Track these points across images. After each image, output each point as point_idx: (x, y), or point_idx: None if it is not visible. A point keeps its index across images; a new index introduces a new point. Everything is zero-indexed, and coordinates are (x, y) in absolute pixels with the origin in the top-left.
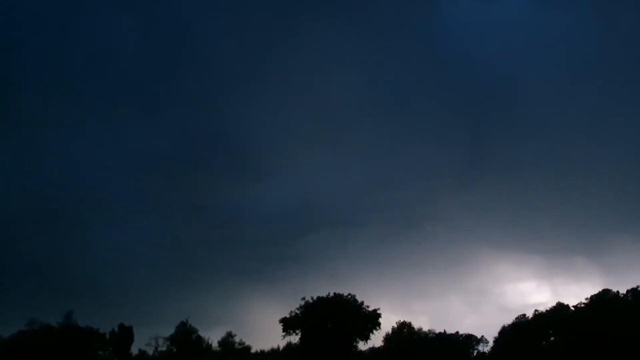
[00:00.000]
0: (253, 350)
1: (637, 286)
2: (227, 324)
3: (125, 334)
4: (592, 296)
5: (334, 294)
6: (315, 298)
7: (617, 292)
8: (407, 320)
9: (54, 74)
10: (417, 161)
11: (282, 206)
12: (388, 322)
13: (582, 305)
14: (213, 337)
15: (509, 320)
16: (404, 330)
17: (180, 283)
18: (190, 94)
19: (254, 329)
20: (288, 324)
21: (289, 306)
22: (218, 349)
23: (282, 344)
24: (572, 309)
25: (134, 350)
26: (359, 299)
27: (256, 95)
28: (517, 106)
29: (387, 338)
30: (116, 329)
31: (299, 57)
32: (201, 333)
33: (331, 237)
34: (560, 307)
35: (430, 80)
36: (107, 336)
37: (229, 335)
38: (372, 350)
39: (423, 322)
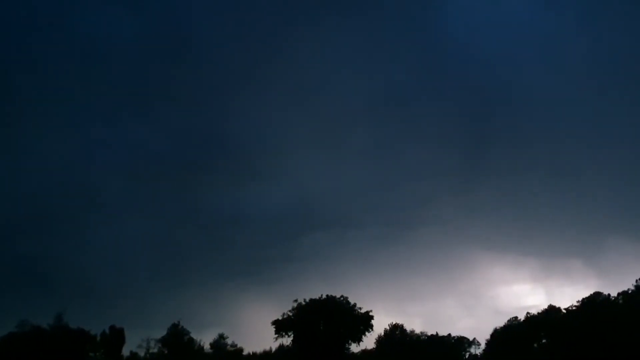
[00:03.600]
0: (245, 352)
1: (628, 289)
2: (219, 326)
3: (116, 336)
4: (583, 299)
5: (327, 295)
6: (307, 300)
7: (609, 295)
8: (401, 322)
9: (48, 73)
10: (415, 163)
11: (278, 207)
12: (382, 324)
13: (574, 308)
14: (205, 339)
15: (502, 322)
16: (396, 332)
17: (173, 284)
18: (188, 94)
19: (247, 330)
20: (280, 326)
21: (283, 308)
22: (210, 351)
23: (274, 346)
24: (564, 311)
25: (126, 352)
26: (352, 301)
27: (254, 96)
28: (517, 109)
29: (380, 340)
30: (107, 331)
31: (297, 58)
32: (193, 335)
33: (327, 239)
34: (552, 310)
35: (430, 82)
36: (99, 338)
37: (221, 337)
38: (365, 352)
39: (417, 324)
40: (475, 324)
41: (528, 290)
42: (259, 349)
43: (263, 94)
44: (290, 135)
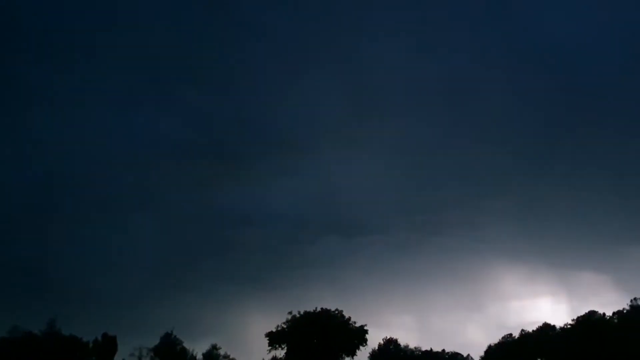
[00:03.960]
0: None
1: (623, 308)
2: (216, 335)
3: (108, 344)
4: (578, 317)
5: (321, 309)
6: (301, 312)
7: (604, 314)
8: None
9: (52, 49)
10: (452, 163)
11: (296, 207)
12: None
13: (569, 327)
14: (201, 348)
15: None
16: (390, 346)
17: (172, 289)
18: (212, 77)
19: (245, 340)
20: (274, 338)
21: (284, 318)
22: None
23: (267, 358)
24: (559, 330)
25: None
26: (347, 314)
27: (286, 82)
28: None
29: (374, 354)
30: (100, 338)
31: (340, 40)
32: (188, 344)
33: (342, 244)
34: (546, 328)
35: (496, 73)
36: (91, 345)
37: (214, 347)
38: None
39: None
40: (487, 338)
41: (549, 303)
42: None
43: (298, 80)
44: (318, 123)
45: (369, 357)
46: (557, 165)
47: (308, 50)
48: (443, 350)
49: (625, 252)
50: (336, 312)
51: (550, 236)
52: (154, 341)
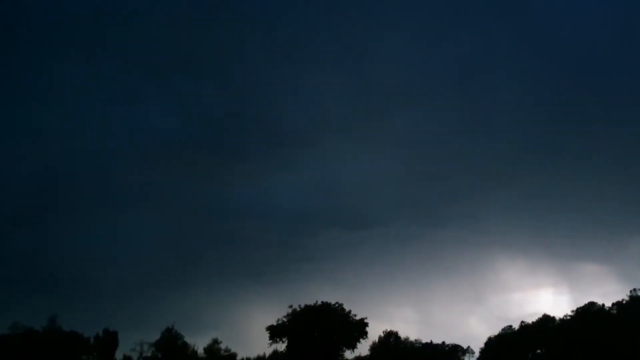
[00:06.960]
0: (239, 358)
1: (623, 299)
2: (217, 329)
3: (110, 339)
4: (578, 309)
5: (322, 302)
6: (302, 306)
7: (603, 305)
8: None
9: (52, 45)
10: (459, 155)
11: (298, 202)
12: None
13: (568, 318)
14: (199, 343)
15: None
16: (390, 339)
17: (171, 285)
18: (213, 69)
19: (246, 334)
20: (275, 332)
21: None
22: (204, 355)
23: (268, 351)
24: (558, 321)
25: (119, 355)
26: (347, 307)
27: (287, 70)
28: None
29: (374, 347)
30: (101, 334)
31: (341, 27)
32: (190, 338)
33: (344, 237)
34: (546, 319)
35: (502, 67)
36: (92, 341)
37: (215, 342)
38: (358, 359)
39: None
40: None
41: (550, 294)
42: (254, 354)
43: (301, 75)
44: (320, 117)
45: (369, 350)
46: (560, 157)
47: (311, 45)
48: (443, 342)
49: (627, 244)
50: (337, 305)
51: (552, 228)
52: (155, 336)
